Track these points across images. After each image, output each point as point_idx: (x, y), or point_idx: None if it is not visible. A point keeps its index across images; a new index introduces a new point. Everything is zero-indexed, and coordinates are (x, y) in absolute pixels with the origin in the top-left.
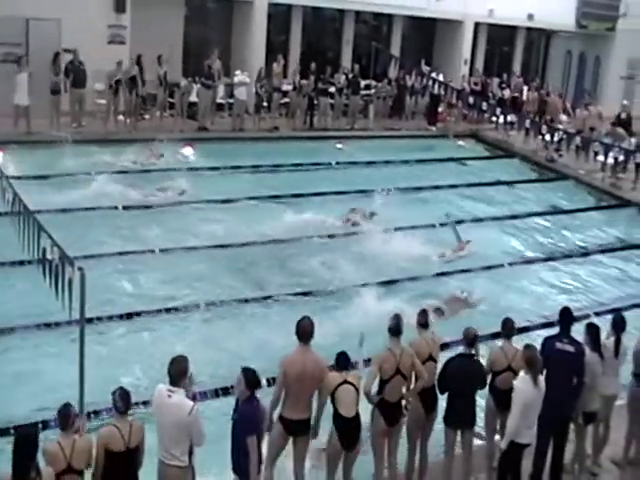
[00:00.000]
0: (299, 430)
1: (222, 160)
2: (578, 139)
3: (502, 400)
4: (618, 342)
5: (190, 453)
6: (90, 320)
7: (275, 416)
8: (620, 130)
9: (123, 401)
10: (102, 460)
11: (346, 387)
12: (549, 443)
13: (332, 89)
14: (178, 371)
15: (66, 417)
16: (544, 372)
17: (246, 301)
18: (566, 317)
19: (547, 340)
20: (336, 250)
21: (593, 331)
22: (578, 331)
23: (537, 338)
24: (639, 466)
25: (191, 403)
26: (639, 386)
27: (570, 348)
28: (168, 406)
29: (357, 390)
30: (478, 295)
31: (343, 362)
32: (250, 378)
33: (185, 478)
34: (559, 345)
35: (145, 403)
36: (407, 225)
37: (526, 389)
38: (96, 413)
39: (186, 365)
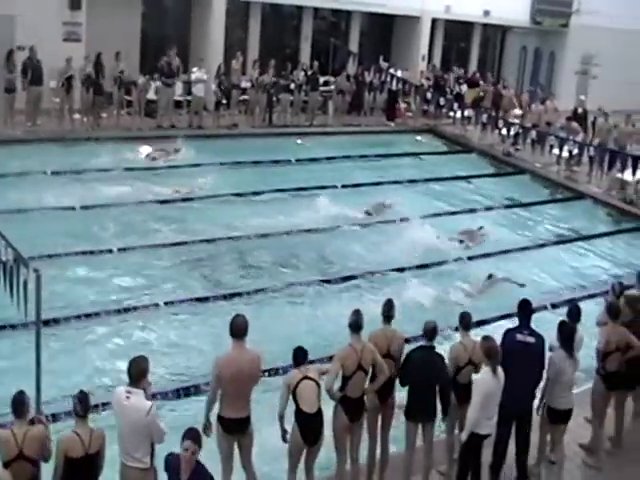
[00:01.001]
0: (239, 429)
1: (183, 158)
2: (534, 133)
3: (462, 393)
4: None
5: (152, 454)
6: (47, 322)
7: (213, 417)
8: (574, 124)
9: (82, 404)
10: (62, 466)
11: (307, 382)
12: (510, 433)
13: (292, 85)
14: (138, 371)
15: (20, 404)
16: (505, 363)
17: (206, 299)
18: (525, 309)
19: (508, 332)
20: (306, 246)
21: (566, 330)
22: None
23: (496, 330)
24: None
25: (149, 403)
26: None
27: (531, 339)
28: (127, 408)
29: (318, 385)
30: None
31: (301, 357)
32: (199, 438)
33: None
34: (520, 337)
35: (105, 405)
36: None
37: (486, 380)
38: (53, 416)
39: (146, 365)
